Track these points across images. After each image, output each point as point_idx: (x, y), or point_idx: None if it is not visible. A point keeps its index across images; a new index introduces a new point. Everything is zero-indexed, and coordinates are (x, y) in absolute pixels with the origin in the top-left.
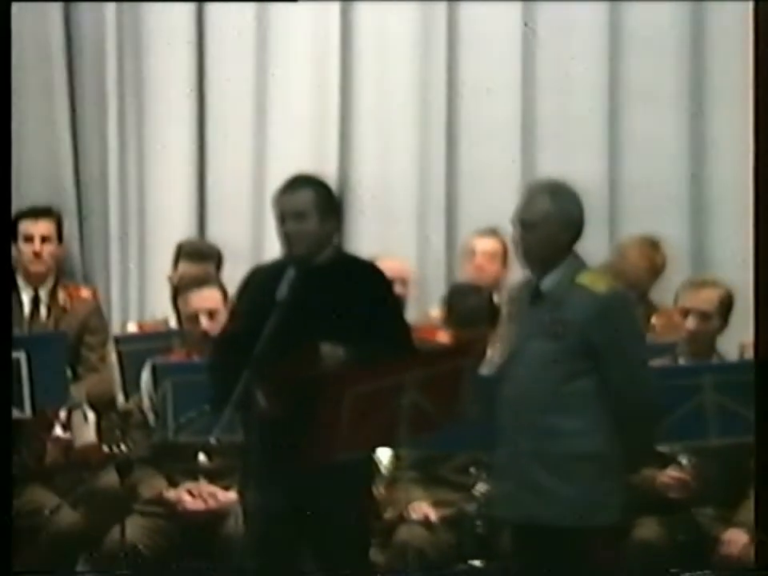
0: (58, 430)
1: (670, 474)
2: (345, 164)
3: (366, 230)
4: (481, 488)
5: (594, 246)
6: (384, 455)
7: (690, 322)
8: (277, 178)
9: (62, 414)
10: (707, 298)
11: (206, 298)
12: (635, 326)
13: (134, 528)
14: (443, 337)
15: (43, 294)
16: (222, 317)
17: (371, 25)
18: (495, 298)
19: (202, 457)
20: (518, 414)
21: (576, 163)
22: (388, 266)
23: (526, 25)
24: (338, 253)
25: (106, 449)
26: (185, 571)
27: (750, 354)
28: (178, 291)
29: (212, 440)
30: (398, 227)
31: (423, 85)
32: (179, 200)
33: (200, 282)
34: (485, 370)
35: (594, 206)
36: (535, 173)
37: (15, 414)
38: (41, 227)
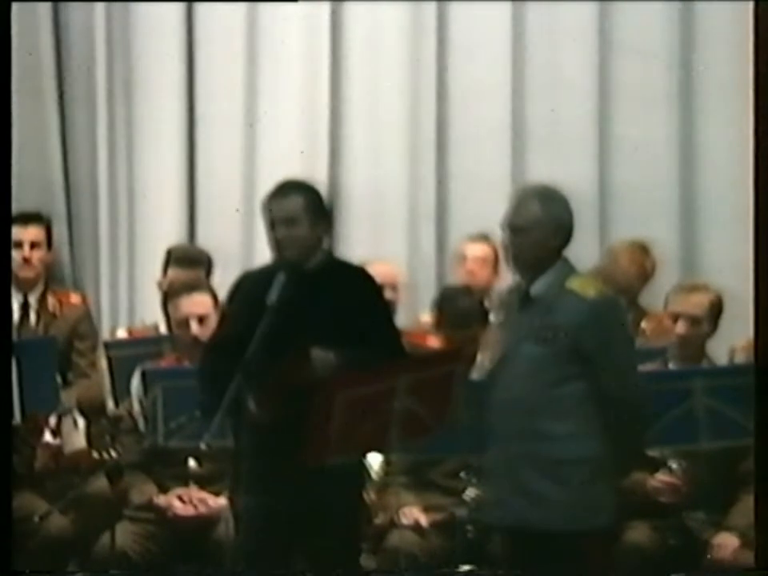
0: (48, 436)
1: (661, 478)
2: (335, 169)
3: (357, 234)
4: (471, 492)
5: (583, 251)
6: (375, 460)
7: (680, 327)
8: (267, 184)
9: (52, 420)
10: (697, 303)
11: (196, 304)
12: (625, 330)
13: (125, 534)
14: (434, 341)
15: (33, 299)
16: (213, 322)
17: (361, 28)
18: (486, 303)
19: (192, 462)
20: (508, 419)
21: (566, 167)
22: (378, 270)
23: None
24: (328, 258)
25: (95, 455)
26: None
27: (739, 357)
28: (168, 297)
29: (202, 445)
30: (388, 232)
31: (413, 89)
32: (169, 205)
33: (190, 287)
34: (475, 374)
35: (583, 211)
36: (525, 177)
37: None
38: (30, 233)
